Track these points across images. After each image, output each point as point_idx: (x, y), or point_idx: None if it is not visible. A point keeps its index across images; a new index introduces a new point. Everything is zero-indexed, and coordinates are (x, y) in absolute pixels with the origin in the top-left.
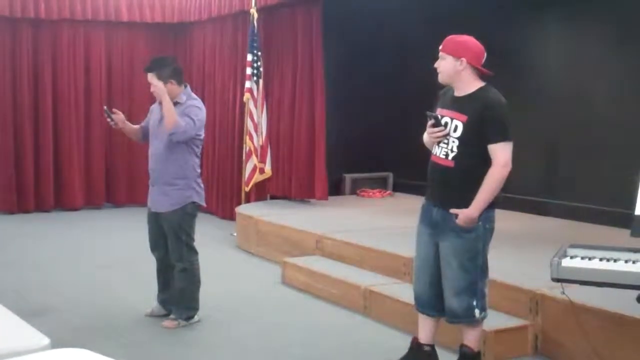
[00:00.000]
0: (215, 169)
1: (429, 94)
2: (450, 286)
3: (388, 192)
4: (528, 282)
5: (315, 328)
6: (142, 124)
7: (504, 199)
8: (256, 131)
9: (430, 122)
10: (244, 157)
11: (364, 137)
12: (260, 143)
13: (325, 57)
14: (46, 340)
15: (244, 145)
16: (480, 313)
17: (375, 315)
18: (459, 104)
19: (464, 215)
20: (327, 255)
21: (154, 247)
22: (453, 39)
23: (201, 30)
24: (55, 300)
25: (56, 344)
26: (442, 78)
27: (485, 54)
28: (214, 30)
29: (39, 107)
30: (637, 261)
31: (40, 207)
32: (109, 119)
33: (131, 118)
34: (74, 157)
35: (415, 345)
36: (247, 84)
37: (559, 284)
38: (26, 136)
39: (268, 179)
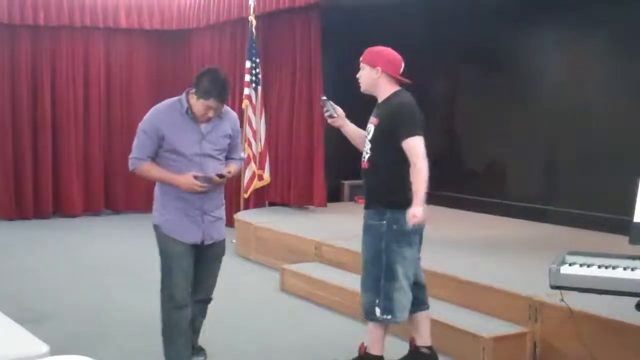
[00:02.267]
0: None
1: (427, 101)
2: (362, 281)
3: None
4: (527, 289)
5: (314, 334)
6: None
7: (498, 205)
8: (255, 138)
9: (323, 108)
10: (242, 164)
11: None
12: (259, 150)
13: (323, 64)
14: (45, 348)
15: (243, 152)
16: (383, 314)
17: None
18: (377, 110)
19: (409, 215)
20: (326, 261)
21: (187, 292)
22: (370, 50)
23: (200, 37)
24: (54, 307)
25: (55, 351)
26: (362, 87)
27: (403, 63)
28: (212, 37)
29: (38, 114)
30: (636, 268)
31: (39, 213)
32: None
33: (129, 125)
34: (72, 163)
35: (413, 348)
36: (246, 91)
37: (558, 291)
38: (25, 143)
39: (267, 186)
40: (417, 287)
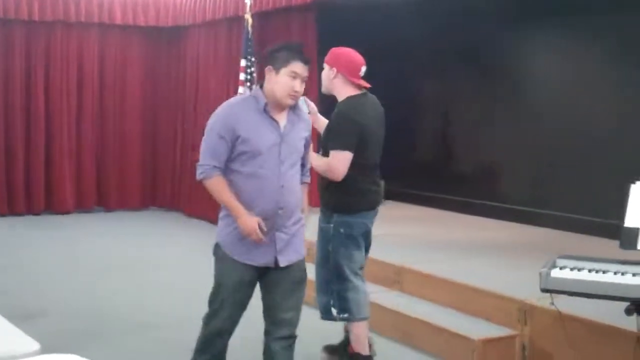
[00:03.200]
0: None
1: (422, 103)
2: (315, 283)
3: None
4: (517, 291)
5: (307, 336)
6: None
7: (490, 208)
8: None
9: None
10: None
11: None
12: None
13: (319, 64)
14: (36, 346)
15: None
16: (340, 313)
17: None
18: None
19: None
20: None
21: (237, 323)
22: (332, 50)
23: (195, 35)
24: (45, 304)
25: (45, 348)
26: (322, 87)
27: (364, 67)
28: (207, 34)
29: (31, 109)
30: (626, 273)
31: (31, 209)
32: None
33: (123, 122)
34: (65, 160)
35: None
36: (240, 90)
37: (548, 294)
38: (17, 138)
39: None
40: None
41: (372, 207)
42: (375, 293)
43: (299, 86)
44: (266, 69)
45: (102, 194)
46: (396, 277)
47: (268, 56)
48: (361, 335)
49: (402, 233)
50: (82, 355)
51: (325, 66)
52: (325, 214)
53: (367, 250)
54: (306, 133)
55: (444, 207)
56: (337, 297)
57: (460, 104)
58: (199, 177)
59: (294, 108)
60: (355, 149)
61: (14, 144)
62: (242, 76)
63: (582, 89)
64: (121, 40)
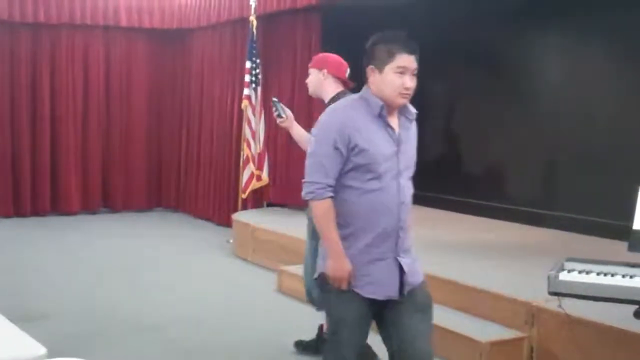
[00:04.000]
0: (213, 176)
1: (428, 104)
2: (304, 268)
3: None
4: (524, 293)
5: (310, 336)
6: None
7: (497, 209)
8: (254, 138)
9: (273, 109)
10: (241, 164)
11: None
12: (258, 150)
13: None
14: (43, 350)
15: (242, 153)
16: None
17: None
18: None
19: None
20: None
21: (358, 351)
22: (316, 56)
23: (200, 37)
24: (50, 306)
25: (51, 351)
26: (310, 91)
27: (348, 69)
28: (212, 36)
29: (37, 111)
30: (635, 276)
31: (36, 211)
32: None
33: (128, 123)
34: (70, 161)
35: (319, 332)
36: (246, 92)
37: (556, 296)
38: (23, 140)
39: (265, 187)
40: None
41: None
42: None
43: (410, 81)
44: (368, 69)
45: (107, 195)
46: None
47: (366, 54)
48: None
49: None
50: (87, 359)
51: (313, 70)
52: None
53: None
54: (415, 138)
55: (451, 209)
56: None
57: (467, 104)
58: (306, 197)
59: (403, 110)
60: None
61: (20, 145)
62: (247, 78)
63: (591, 89)
64: (126, 42)
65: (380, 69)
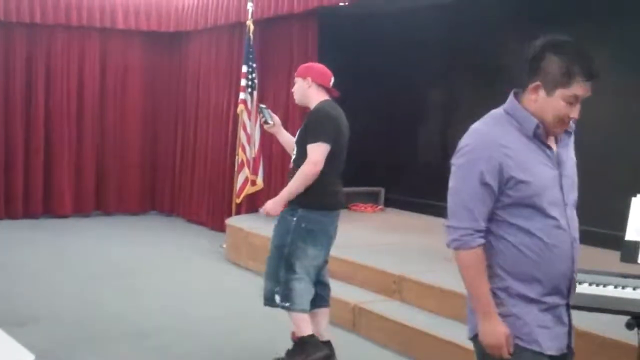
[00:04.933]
0: (207, 180)
1: (424, 110)
2: (265, 268)
3: (380, 207)
4: None
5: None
6: None
7: None
8: (249, 143)
9: (259, 115)
10: (236, 169)
11: (357, 151)
12: (253, 155)
13: None
14: (31, 357)
15: (237, 157)
16: (282, 301)
17: (364, 332)
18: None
19: (266, 204)
20: None
21: None
22: (302, 65)
23: (197, 40)
24: (41, 310)
25: (39, 357)
26: (296, 99)
27: (332, 78)
28: (209, 40)
29: (31, 113)
30: (627, 287)
31: (29, 213)
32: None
33: (123, 126)
34: (64, 164)
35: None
36: (242, 96)
37: None
38: (17, 141)
39: (259, 192)
40: (321, 286)
41: (336, 207)
42: (375, 302)
43: (577, 112)
44: (532, 86)
45: (101, 198)
46: (396, 287)
47: (531, 62)
48: (301, 321)
49: (402, 242)
50: None
51: (299, 79)
52: (291, 206)
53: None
54: (574, 154)
55: (445, 215)
56: (283, 285)
57: (462, 111)
58: (452, 245)
59: None
60: (331, 148)
61: (14, 147)
62: (243, 82)
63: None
64: (123, 44)
65: (549, 91)
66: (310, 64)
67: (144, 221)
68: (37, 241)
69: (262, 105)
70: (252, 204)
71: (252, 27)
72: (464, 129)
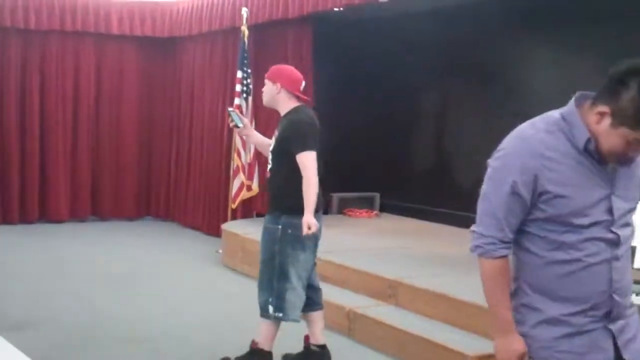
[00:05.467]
0: (203, 185)
1: (418, 115)
2: (258, 280)
3: (375, 212)
4: None
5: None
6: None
7: None
8: (244, 148)
9: (229, 118)
10: (231, 174)
11: (352, 156)
12: (248, 160)
13: (314, 76)
14: None
15: (232, 162)
16: (275, 311)
17: (359, 337)
18: (279, 124)
19: (304, 225)
20: None
21: None
22: (273, 67)
23: (191, 45)
24: (37, 315)
25: None
26: (264, 101)
27: (303, 82)
28: (204, 45)
29: (26, 118)
30: None
31: (25, 218)
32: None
33: (118, 131)
34: (60, 169)
35: (306, 346)
36: (237, 101)
37: None
38: (12, 147)
39: (255, 197)
40: (312, 290)
41: (318, 209)
42: (370, 307)
43: (635, 153)
44: (599, 109)
45: (96, 203)
46: (391, 291)
47: (609, 84)
48: (273, 335)
49: (397, 246)
50: None
51: (268, 82)
52: (273, 216)
53: (316, 251)
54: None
55: (440, 220)
56: (276, 296)
57: (458, 116)
58: (475, 251)
59: None
60: None
61: (9, 152)
62: (238, 87)
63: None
64: (117, 50)
65: (614, 124)
66: (281, 66)
67: (139, 226)
68: (33, 246)
69: (230, 109)
70: (248, 209)
71: (246, 32)
72: (459, 134)
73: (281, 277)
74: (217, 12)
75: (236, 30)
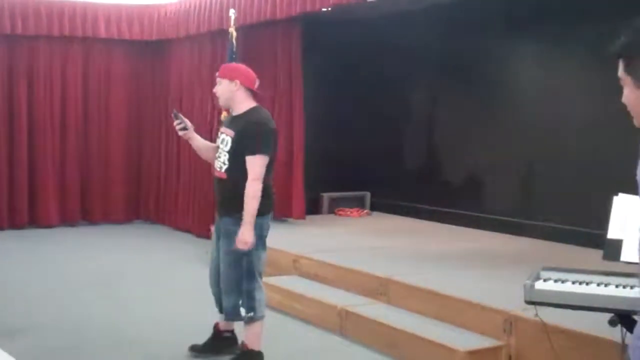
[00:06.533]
0: (192, 188)
1: (408, 114)
2: (222, 286)
3: (365, 211)
4: (502, 302)
5: (291, 349)
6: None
7: (476, 218)
8: None
9: (175, 120)
10: None
11: (342, 156)
12: None
13: (304, 76)
14: None
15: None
16: (247, 312)
17: (351, 335)
18: (233, 122)
19: (238, 240)
20: (304, 274)
21: None
22: (227, 65)
23: (179, 48)
24: (28, 321)
25: None
26: (220, 101)
27: (258, 81)
28: (192, 48)
29: (14, 123)
30: (609, 284)
31: (14, 224)
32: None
33: (107, 135)
34: (48, 174)
35: (215, 331)
36: None
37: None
38: (1, 152)
39: None
40: None
41: (273, 209)
42: (361, 305)
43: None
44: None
45: (86, 207)
46: (382, 289)
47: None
48: (258, 334)
49: (388, 244)
50: None
51: (224, 80)
52: (234, 217)
53: None
54: None
55: (431, 218)
56: (246, 296)
57: (447, 115)
58: None
59: None
60: (269, 157)
61: None
62: None
63: (568, 99)
64: (105, 54)
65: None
66: (235, 65)
67: (129, 230)
68: (23, 252)
69: (175, 111)
70: None
71: (234, 34)
72: (450, 133)
73: (250, 278)
74: (204, 14)
75: (224, 32)
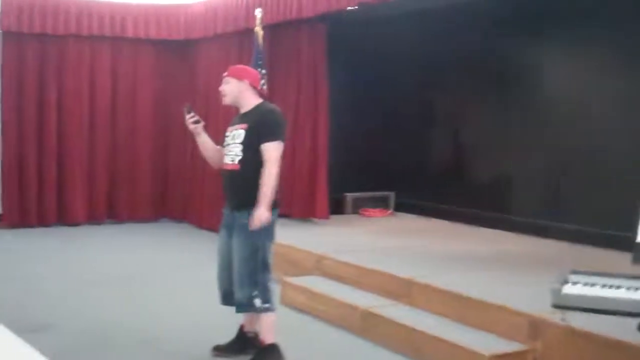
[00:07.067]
0: (218, 186)
1: (431, 115)
2: (236, 278)
3: (389, 211)
4: (528, 306)
5: (313, 350)
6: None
7: (502, 220)
8: None
9: (187, 114)
10: None
11: (366, 156)
12: None
13: (329, 76)
14: None
15: None
16: (262, 303)
17: (373, 337)
18: (244, 118)
19: (255, 216)
20: (327, 275)
21: None
22: (235, 66)
23: (206, 48)
24: (53, 317)
25: None
26: (227, 99)
27: (263, 80)
28: (219, 47)
29: (44, 122)
30: (639, 289)
31: (42, 221)
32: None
33: (134, 134)
34: (77, 172)
35: (240, 332)
36: None
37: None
38: (30, 151)
39: None
40: None
41: (279, 206)
42: (384, 306)
43: None
44: None
45: (113, 206)
46: (406, 291)
47: None
48: (272, 327)
49: (412, 245)
50: None
51: (232, 80)
52: (244, 210)
53: None
54: None
55: (455, 219)
56: (262, 288)
57: (472, 115)
58: None
59: None
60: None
61: (27, 156)
62: None
63: (598, 100)
64: (133, 53)
65: None
66: (243, 66)
67: (155, 228)
68: (51, 249)
69: (188, 105)
70: None
71: (261, 33)
72: (475, 133)
73: (265, 270)
74: (231, 13)
75: (250, 31)
